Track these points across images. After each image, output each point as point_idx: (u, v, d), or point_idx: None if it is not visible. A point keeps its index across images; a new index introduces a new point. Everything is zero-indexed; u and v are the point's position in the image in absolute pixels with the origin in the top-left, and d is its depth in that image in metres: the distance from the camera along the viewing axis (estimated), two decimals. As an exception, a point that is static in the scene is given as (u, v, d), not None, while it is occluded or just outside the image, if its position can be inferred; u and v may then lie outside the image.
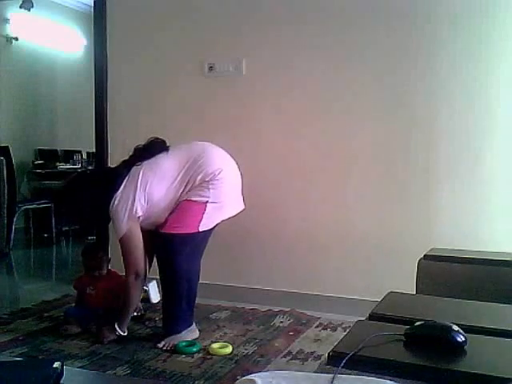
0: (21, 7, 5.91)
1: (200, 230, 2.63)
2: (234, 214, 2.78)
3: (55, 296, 3.54)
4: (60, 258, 5.60)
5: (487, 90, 2.98)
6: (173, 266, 2.65)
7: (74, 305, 3.08)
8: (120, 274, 3.01)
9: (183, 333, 2.69)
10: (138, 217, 2.61)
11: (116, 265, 3.07)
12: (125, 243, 2.63)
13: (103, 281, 2.95)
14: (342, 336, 1.15)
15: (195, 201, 2.60)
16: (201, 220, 2.61)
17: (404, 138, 3.16)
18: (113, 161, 3.78)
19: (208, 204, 2.61)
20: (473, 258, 2.13)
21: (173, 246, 2.63)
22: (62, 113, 6.58)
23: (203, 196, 2.60)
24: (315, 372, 2.11)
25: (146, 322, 2.99)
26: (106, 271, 2.98)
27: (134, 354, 2.57)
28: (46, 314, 3.17)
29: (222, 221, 2.73)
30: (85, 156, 6.57)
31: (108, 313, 2.89)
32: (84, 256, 3.02)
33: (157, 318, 3.02)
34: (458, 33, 3.01)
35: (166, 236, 2.62)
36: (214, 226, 2.74)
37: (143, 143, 2.72)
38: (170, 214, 2.64)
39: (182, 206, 2.62)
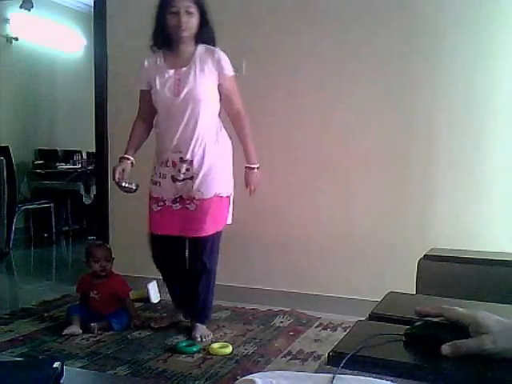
0: (21, 7, 5.91)
1: (228, 222, 2.75)
2: None
3: (55, 296, 3.55)
4: (60, 258, 5.60)
5: (487, 89, 2.98)
6: (212, 261, 2.76)
7: (77, 303, 3.08)
8: (122, 275, 3.03)
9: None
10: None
11: (118, 263, 3.08)
12: (235, 85, 2.72)
13: (106, 285, 2.95)
14: (342, 336, 1.14)
15: (221, 196, 2.68)
16: (228, 213, 2.74)
17: (404, 139, 3.16)
18: (113, 161, 3.79)
19: (231, 197, 2.74)
20: (473, 258, 2.12)
21: (214, 244, 2.74)
22: (62, 113, 6.58)
23: (229, 188, 2.72)
24: (315, 372, 2.11)
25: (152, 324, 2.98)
26: (109, 267, 2.98)
27: (134, 353, 2.57)
28: (46, 314, 3.17)
29: None
30: (85, 156, 6.56)
31: (111, 315, 2.90)
32: (90, 247, 3.06)
33: (158, 319, 3.02)
34: (459, 29, 3.01)
35: (206, 239, 2.68)
36: None
37: None
38: (200, 213, 2.65)
39: (213, 203, 2.65)
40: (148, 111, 2.76)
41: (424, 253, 2.22)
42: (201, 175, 2.64)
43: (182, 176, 2.65)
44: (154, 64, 2.69)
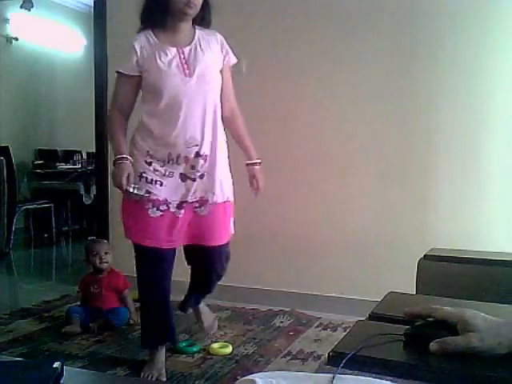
0: (21, 7, 5.91)
1: (232, 231, 2.46)
2: None
3: (55, 296, 3.55)
4: (60, 258, 5.60)
5: (487, 89, 2.98)
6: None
7: (78, 303, 3.10)
8: (123, 272, 3.04)
9: None
10: None
11: (118, 263, 3.08)
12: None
13: (106, 280, 3.00)
14: (342, 336, 1.14)
15: (230, 201, 2.40)
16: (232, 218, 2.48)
17: (404, 139, 3.16)
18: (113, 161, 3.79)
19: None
20: (473, 258, 2.12)
21: (229, 252, 2.53)
22: (62, 113, 6.58)
23: (231, 192, 2.42)
24: (315, 372, 2.11)
25: None
26: (108, 260, 3.01)
27: (134, 354, 2.57)
28: (46, 314, 3.18)
29: None
30: (85, 156, 6.57)
31: (110, 312, 2.92)
32: (88, 244, 3.12)
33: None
34: (459, 27, 3.02)
35: (226, 246, 2.46)
36: None
37: None
38: (216, 218, 2.34)
39: (225, 208, 2.36)
40: (130, 102, 2.32)
41: (424, 253, 2.22)
42: (214, 175, 2.28)
43: (195, 173, 2.25)
44: (147, 43, 2.26)
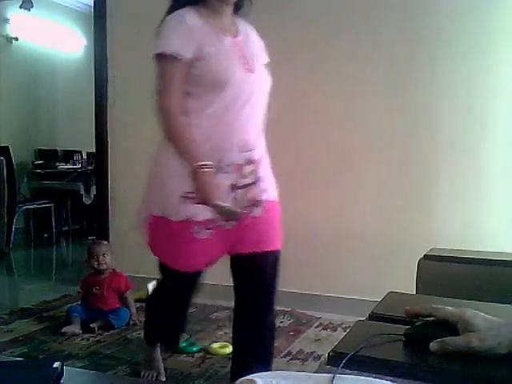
0: (21, 7, 5.91)
1: None
2: None
3: (55, 296, 3.55)
4: (60, 258, 5.60)
5: (488, 87, 2.99)
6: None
7: (78, 303, 3.11)
8: (124, 273, 3.05)
9: None
10: None
11: (118, 263, 3.08)
12: None
13: (108, 281, 3.01)
14: (342, 336, 1.14)
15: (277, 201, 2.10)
16: None
17: (404, 139, 3.16)
18: (113, 161, 3.79)
19: None
20: (473, 258, 2.13)
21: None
22: (62, 113, 6.58)
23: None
24: (315, 372, 2.10)
25: None
26: (107, 262, 3.02)
27: (134, 354, 2.57)
28: (45, 314, 3.18)
29: None
30: (85, 156, 6.57)
31: (111, 312, 2.92)
32: (89, 245, 3.14)
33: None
34: (459, 27, 3.02)
35: (278, 253, 2.11)
36: None
37: None
38: (271, 217, 2.07)
39: (276, 210, 2.11)
40: (182, 95, 1.84)
41: (424, 253, 2.22)
42: (265, 177, 1.98)
43: (244, 181, 1.89)
44: (197, 23, 1.83)
